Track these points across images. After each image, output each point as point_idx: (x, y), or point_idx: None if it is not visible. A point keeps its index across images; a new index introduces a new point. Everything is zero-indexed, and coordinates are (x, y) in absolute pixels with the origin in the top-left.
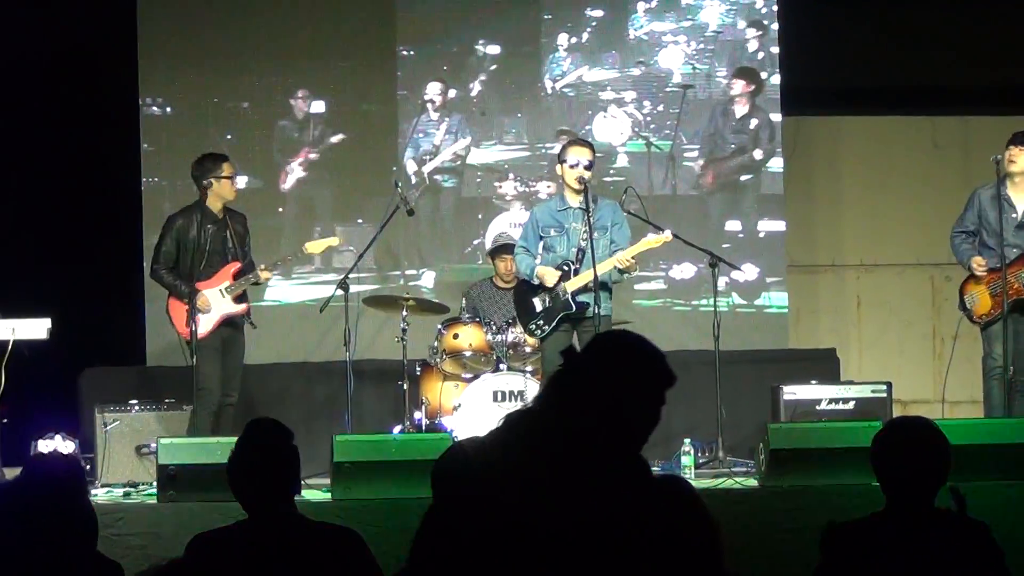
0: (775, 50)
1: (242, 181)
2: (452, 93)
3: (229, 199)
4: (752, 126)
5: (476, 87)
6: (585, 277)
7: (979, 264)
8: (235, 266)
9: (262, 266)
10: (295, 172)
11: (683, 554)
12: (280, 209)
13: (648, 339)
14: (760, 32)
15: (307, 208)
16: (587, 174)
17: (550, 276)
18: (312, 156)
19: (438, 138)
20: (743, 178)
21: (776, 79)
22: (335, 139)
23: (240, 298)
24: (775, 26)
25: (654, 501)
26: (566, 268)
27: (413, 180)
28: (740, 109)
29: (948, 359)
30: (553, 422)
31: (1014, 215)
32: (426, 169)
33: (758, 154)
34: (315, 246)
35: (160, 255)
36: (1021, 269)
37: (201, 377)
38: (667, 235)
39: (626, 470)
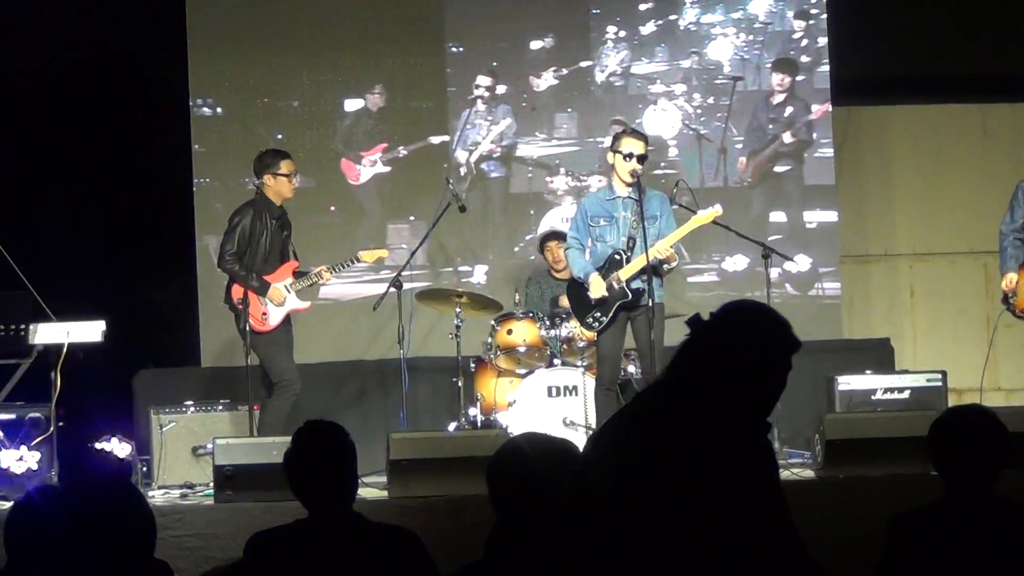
0: (823, 40)
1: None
2: (501, 88)
3: (287, 196)
4: (787, 114)
5: (526, 82)
6: (637, 264)
7: (1009, 282)
8: (295, 264)
9: (324, 267)
10: (356, 170)
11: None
12: (332, 208)
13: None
14: (807, 22)
15: (358, 207)
16: (639, 167)
17: (596, 288)
18: (363, 154)
19: (485, 129)
20: (779, 168)
21: (825, 69)
22: (387, 135)
23: (300, 296)
24: (823, 16)
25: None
26: (618, 257)
27: (462, 172)
28: (778, 99)
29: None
30: (687, 390)
31: None
32: (473, 159)
33: (787, 138)
34: (368, 255)
35: (229, 249)
36: None
37: (280, 369)
38: (717, 208)
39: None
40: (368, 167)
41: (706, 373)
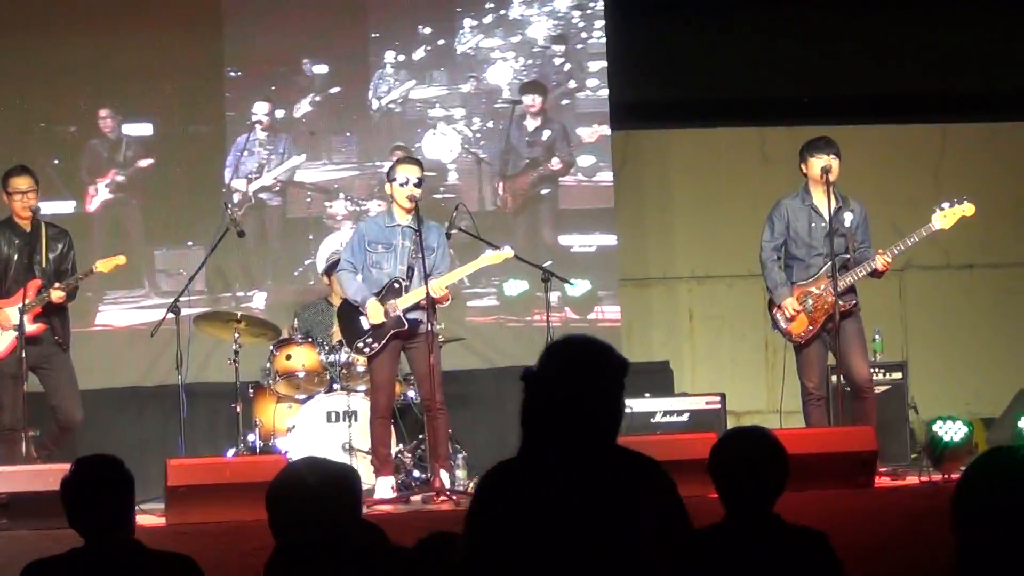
0: (600, 64)
1: (67, 205)
2: (280, 113)
3: (20, 215)
4: (545, 137)
5: (304, 107)
6: (416, 295)
7: (792, 309)
8: (38, 283)
9: (56, 284)
10: (116, 194)
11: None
12: (97, 232)
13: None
14: (583, 46)
15: (128, 231)
16: (417, 192)
17: (375, 314)
18: (137, 178)
19: (264, 157)
20: (544, 191)
21: (598, 93)
22: (158, 161)
23: (44, 317)
24: (601, 40)
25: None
26: (397, 285)
27: (237, 199)
28: (532, 122)
29: (782, 370)
30: (552, 437)
31: (823, 224)
32: (253, 187)
33: (555, 163)
34: (104, 264)
35: None
36: (827, 282)
37: None
38: (507, 251)
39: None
40: (122, 192)
41: (558, 416)
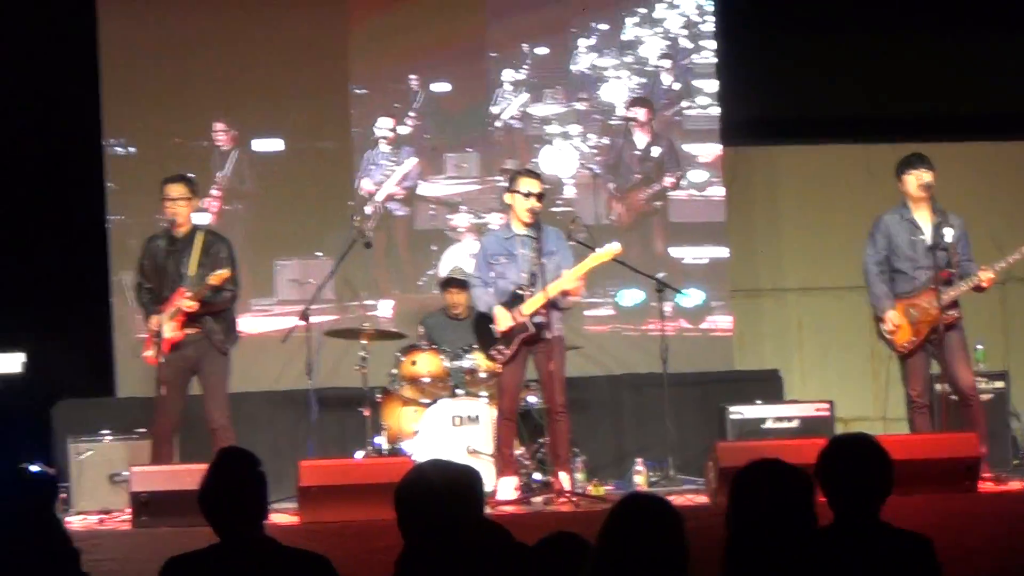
0: (711, 83)
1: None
2: (403, 129)
3: (177, 222)
4: (655, 154)
5: (427, 122)
6: (538, 300)
7: (893, 323)
8: (182, 291)
9: (188, 293)
10: (247, 207)
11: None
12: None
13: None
14: (693, 65)
15: (264, 241)
16: (538, 205)
17: (503, 320)
18: (267, 192)
19: (388, 169)
20: (655, 205)
21: (714, 111)
22: (287, 175)
23: (197, 321)
24: (711, 60)
25: None
26: (520, 292)
27: (368, 211)
28: (641, 138)
29: (885, 379)
30: None
31: (922, 236)
32: (379, 197)
33: (667, 180)
34: (215, 278)
35: (137, 276)
36: (932, 296)
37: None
38: (615, 246)
39: None
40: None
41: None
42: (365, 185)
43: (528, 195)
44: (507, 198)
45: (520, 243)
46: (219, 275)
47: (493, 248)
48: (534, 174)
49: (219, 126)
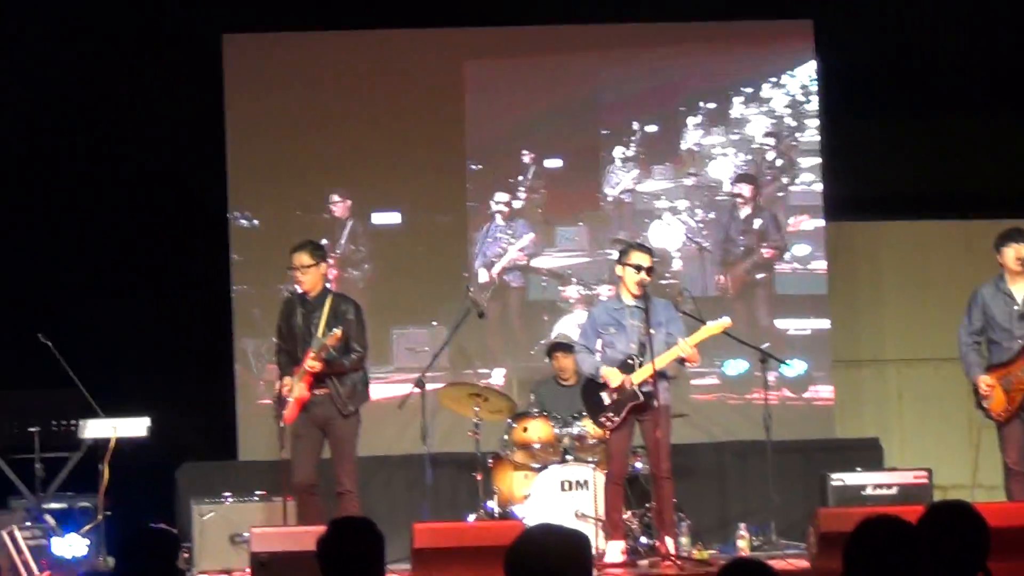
0: (816, 160)
1: None
2: (516, 203)
3: (304, 287)
4: (756, 226)
5: (539, 197)
6: (647, 370)
7: (986, 384)
8: (311, 352)
9: (311, 355)
10: (367, 277)
11: None
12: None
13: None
14: (797, 143)
15: (381, 310)
16: (647, 279)
17: (614, 377)
18: (386, 263)
19: (505, 242)
20: (759, 276)
21: (817, 187)
22: (405, 247)
23: (325, 383)
24: (815, 138)
25: None
26: (630, 362)
27: (482, 281)
28: (744, 211)
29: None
30: None
31: (1016, 307)
32: (494, 270)
33: (765, 252)
34: (331, 339)
35: (276, 337)
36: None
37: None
38: (726, 321)
39: None
40: (378, 275)
41: None
42: (480, 259)
43: (639, 269)
44: (618, 270)
45: (630, 314)
46: (334, 335)
47: (603, 319)
48: (645, 248)
49: (334, 197)
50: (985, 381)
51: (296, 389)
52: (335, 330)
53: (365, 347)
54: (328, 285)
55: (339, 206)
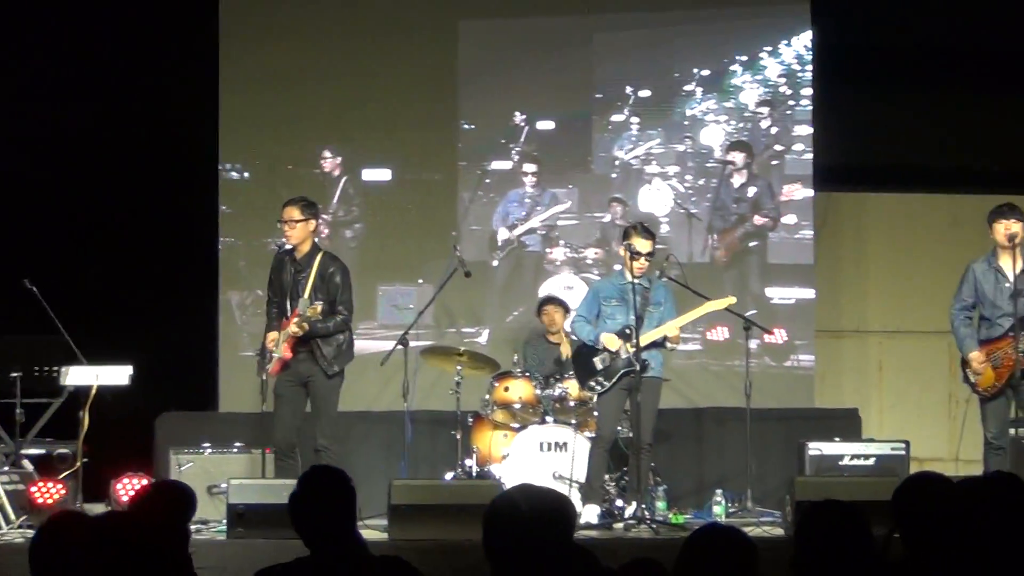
0: (806, 129)
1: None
2: (506, 164)
3: (291, 241)
4: (751, 195)
5: (530, 160)
6: (645, 340)
7: (978, 361)
8: (295, 313)
9: (295, 320)
10: (353, 234)
11: None
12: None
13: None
14: (790, 112)
15: (368, 267)
16: (646, 265)
17: (614, 342)
18: (373, 220)
19: (529, 208)
20: (751, 245)
21: (808, 156)
22: (394, 205)
23: (307, 342)
24: (808, 107)
25: None
26: (628, 331)
27: (501, 244)
28: (738, 180)
29: (962, 421)
30: None
31: (1007, 284)
32: (516, 232)
33: (757, 220)
34: (312, 311)
35: (268, 289)
36: (1015, 341)
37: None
38: (731, 299)
39: None
40: (364, 233)
41: None
42: (501, 220)
43: (637, 255)
44: (620, 251)
45: (632, 290)
46: (314, 308)
47: (607, 292)
48: (648, 233)
49: (326, 152)
50: (977, 359)
51: (280, 348)
52: (316, 303)
53: (350, 309)
54: (317, 243)
55: (330, 162)
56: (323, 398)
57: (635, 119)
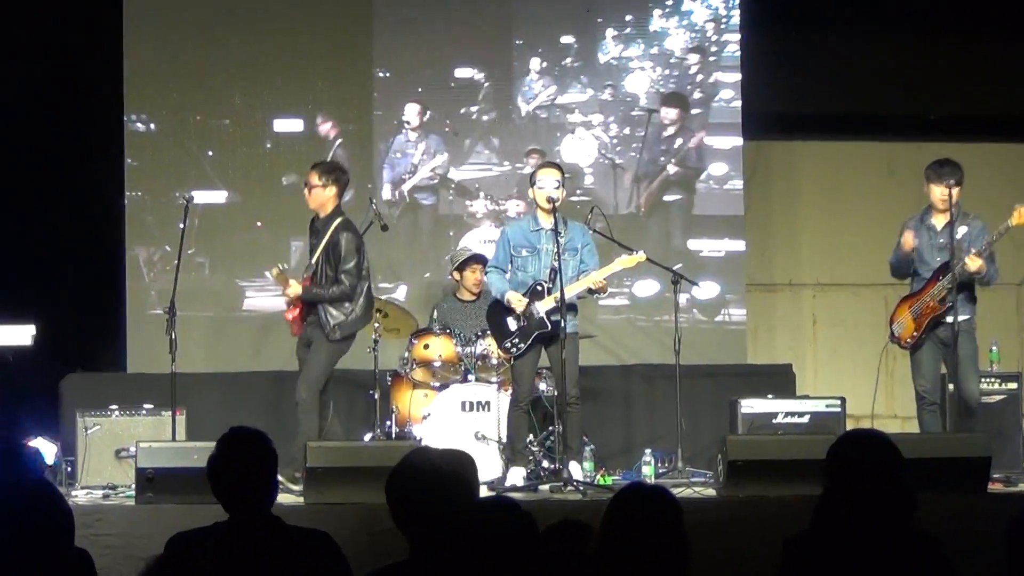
0: (734, 76)
1: (222, 196)
2: (428, 115)
3: (311, 205)
4: (676, 145)
5: (450, 109)
6: (557, 297)
7: (907, 241)
8: (307, 280)
9: (297, 285)
10: (265, 186)
11: None
12: (259, 224)
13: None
14: (717, 59)
15: (281, 221)
16: (556, 194)
17: (518, 303)
18: (284, 172)
19: (416, 158)
20: (673, 197)
21: (737, 104)
22: (307, 156)
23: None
24: (736, 53)
25: None
26: (540, 288)
27: (392, 198)
28: (669, 131)
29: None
30: None
31: (940, 240)
32: (405, 188)
33: (671, 168)
34: (274, 272)
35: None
36: (934, 287)
37: None
38: (641, 255)
39: None
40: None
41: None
42: (387, 173)
43: (544, 187)
44: (530, 192)
45: (545, 237)
46: (275, 270)
47: (517, 239)
48: (553, 165)
49: (235, 101)
50: (907, 238)
51: (292, 286)
52: (276, 267)
53: (355, 278)
54: (339, 208)
55: (259, 118)
56: (314, 355)
57: (557, 66)
